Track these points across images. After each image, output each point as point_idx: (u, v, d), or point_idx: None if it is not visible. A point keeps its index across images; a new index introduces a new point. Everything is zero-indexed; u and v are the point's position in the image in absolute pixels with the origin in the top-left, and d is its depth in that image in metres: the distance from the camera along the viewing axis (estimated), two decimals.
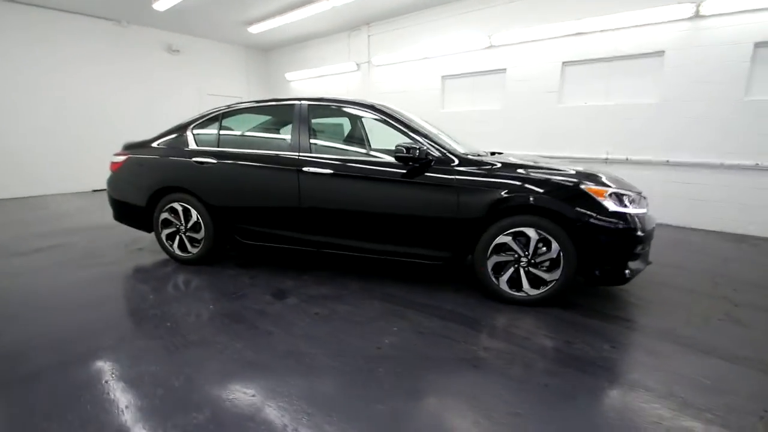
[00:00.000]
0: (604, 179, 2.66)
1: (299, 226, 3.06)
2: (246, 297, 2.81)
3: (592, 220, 2.44)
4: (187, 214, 3.35)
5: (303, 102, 3.14)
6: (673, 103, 5.05)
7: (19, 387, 1.81)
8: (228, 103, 3.53)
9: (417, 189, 2.73)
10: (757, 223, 4.75)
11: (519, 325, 2.43)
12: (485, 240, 2.64)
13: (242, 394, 1.75)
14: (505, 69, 6.46)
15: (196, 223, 3.32)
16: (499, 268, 2.68)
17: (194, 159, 3.27)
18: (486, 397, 1.75)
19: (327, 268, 3.39)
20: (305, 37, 9.25)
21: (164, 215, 3.41)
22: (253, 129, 3.50)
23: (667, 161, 5.19)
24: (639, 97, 5.34)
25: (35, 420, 1.59)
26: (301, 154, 3.00)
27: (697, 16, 4.71)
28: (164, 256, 3.67)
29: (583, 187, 2.50)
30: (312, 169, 2.93)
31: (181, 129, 3.49)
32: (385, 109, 3.02)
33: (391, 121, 2.93)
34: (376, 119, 3.02)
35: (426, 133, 2.87)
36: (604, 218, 2.44)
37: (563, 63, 5.87)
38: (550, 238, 2.52)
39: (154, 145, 3.50)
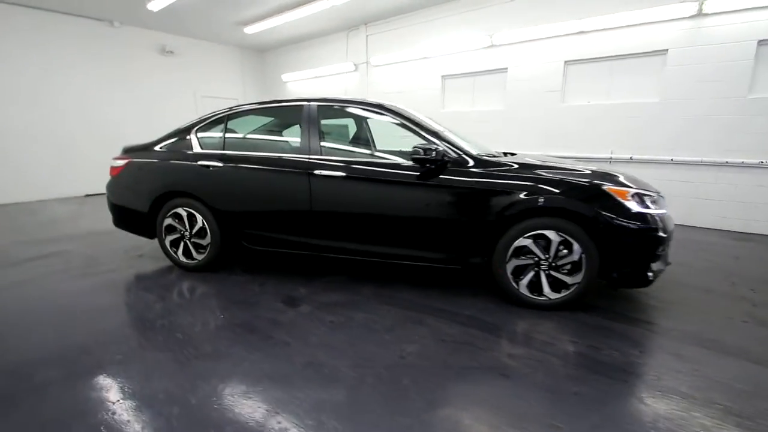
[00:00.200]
0: (622, 179, 2.61)
1: (310, 231, 2.97)
2: (257, 305, 2.71)
3: (615, 222, 2.38)
4: (192, 219, 3.23)
5: (312, 103, 3.05)
6: (677, 101, 5.04)
7: (22, 406, 1.69)
8: (224, 105, 3.42)
9: (434, 191, 2.66)
10: (760, 221, 4.75)
11: (542, 330, 2.37)
12: (504, 243, 2.58)
13: (264, 411, 1.65)
14: (506, 68, 6.42)
15: (202, 228, 3.21)
16: (519, 272, 2.62)
17: (199, 162, 3.17)
18: (518, 408, 1.68)
19: (337, 273, 3.30)
20: (302, 37, 9.14)
21: (168, 221, 3.29)
22: (260, 131, 3.40)
23: (671, 160, 5.18)
24: (642, 96, 5.33)
25: None
26: (311, 156, 2.91)
27: (700, 14, 4.71)
28: (166, 262, 3.56)
29: (605, 187, 2.45)
30: (324, 172, 2.84)
31: (184, 132, 3.37)
32: (397, 110, 2.94)
33: (406, 123, 2.85)
34: (394, 122, 2.90)
35: (441, 133, 2.80)
36: (627, 219, 2.38)
37: (565, 62, 5.84)
38: (571, 240, 2.46)
39: (157, 148, 3.38)
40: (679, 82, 4.98)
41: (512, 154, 3.19)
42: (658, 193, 2.65)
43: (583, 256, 2.46)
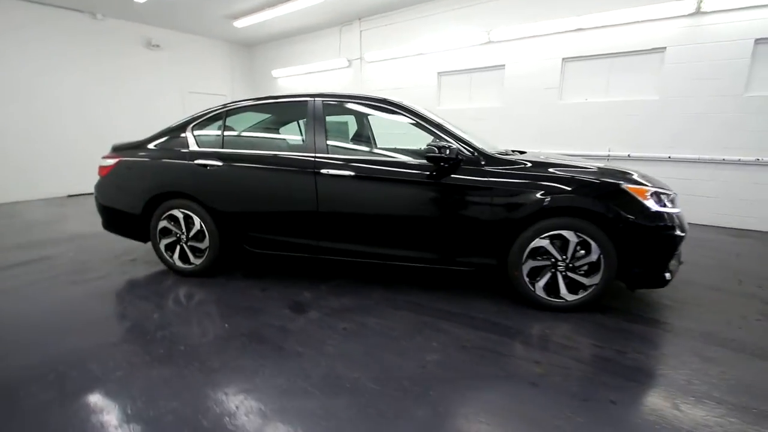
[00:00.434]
0: (636, 176, 2.55)
1: (317, 232, 2.84)
2: (262, 312, 2.57)
3: (635, 222, 2.32)
4: (188, 221, 3.06)
5: (317, 99, 2.91)
6: (674, 99, 5.06)
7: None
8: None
9: (449, 191, 2.56)
10: (757, 217, 4.82)
11: (562, 333, 2.30)
12: (520, 244, 2.50)
13: None
14: (503, 65, 6.37)
15: (200, 231, 3.05)
16: (535, 274, 2.55)
17: (196, 161, 2.99)
18: (556, 420, 1.60)
19: (342, 276, 3.18)
20: (293, 32, 8.92)
21: (163, 223, 3.11)
22: (261, 128, 3.25)
23: (669, 157, 5.21)
24: (640, 93, 5.34)
25: None
26: (317, 154, 2.78)
27: (698, 12, 4.72)
28: (160, 267, 3.38)
29: (624, 186, 2.39)
30: (331, 171, 2.71)
31: (179, 129, 3.19)
32: (410, 107, 2.81)
33: (421, 121, 2.73)
34: (411, 122, 2.77)
35: (454, 131, 2.70)
36: (647, 219, 2.33)
37: (563, 59, 5.82)
38: (589, 240, 2.40)
39: (150, 146, 3.19)
40: (677, 79, 5.00)
41: (522, 152, 3.12)
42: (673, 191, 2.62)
43: (602, 256, 2.40)
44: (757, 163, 4.68)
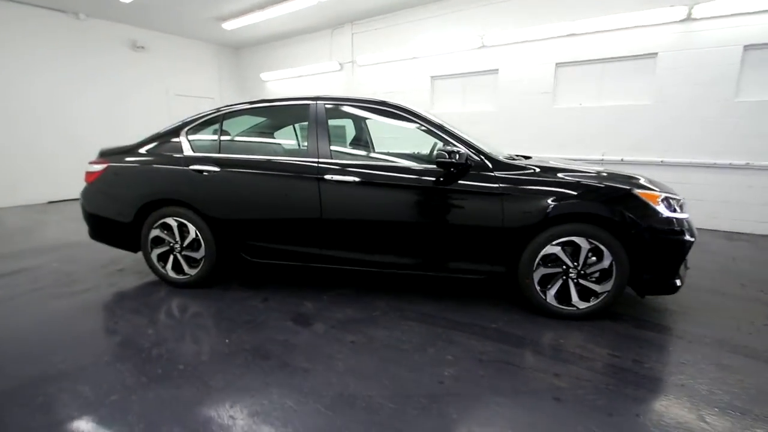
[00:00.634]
0: (643, 181, 2.54)
1: (321, 241, 2.73)
2: (264, 325, 2.45)
3: (647, 228, 2.29)
4: (183, 230, 2.92)
5: (319, 102, 2.82)
6: (667, 104, 5.13)
7: None
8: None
9: (458, 196, 2.50)
10: (747, 220, 4.90)
11: (577, 343, 2.25)
12: (531, 251, 2.44)
13: None
14: (497, 70, 6.38)
15: (195, 240, 2.90)
16: (546, 281, 2.49)
17: (192, 167, 2.86)
18: None
19: (343, 285, 3.07)
20: (283, 35, 8.80)
21: (155, 232, 2.96)
22: (260, 133, 3.13)
23: (662, 161, 5.27)
24: (633, 98, 5.40)
25: None
26: (320, 160, 2.68)
27: (690, 18, 4.80)
28: (151, 277, 3.22)
29: (635, 191, 2.36)
30: (336, 177, 2.61)
31: (172, 133, 3.04)
32: (417, 111, 2.74)
33: (431, 127, 2.66)
34: (422, 128, 2.69)
35: (464, 137, 2.64)
36: (659, 225, 2.31)
37: (557, 64, 5.85)
38: (602, 247, 2.36)
39: (141, 151, 3.04)
40: (669, 85, 5.07)
41: (527, 157, 3.08)
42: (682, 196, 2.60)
43: (614, 263, 2.36)
44: (748, 167, 4.77)
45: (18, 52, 6.55)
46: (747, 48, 4.60)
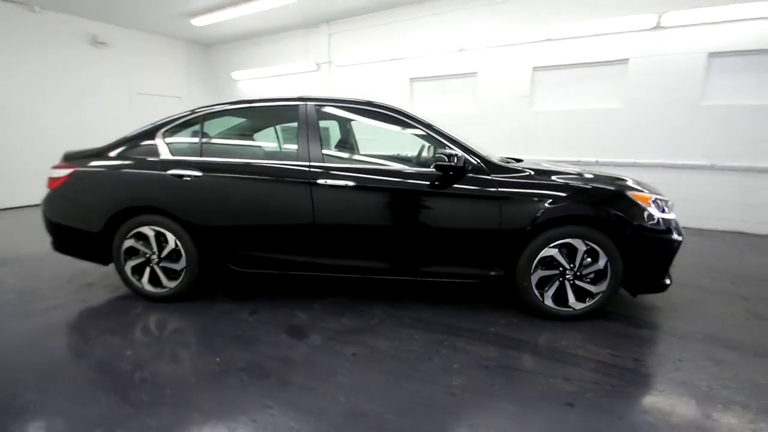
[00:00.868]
0: (630, 182, 2.61)
1: (313, 248, 2.61)
2: (257, 340, 2.30)
3: (641, 229, 2.35)
4: (160, 239, 2.71)
5: (309, 103, 2.70)
6: (638, 107, 5.36)
7: None
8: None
9: (455, 200, 2.46)
10: (711, 218, 5.18)
11: (577, 344, 2.25)
12: (529, 253, 2.44)
13: None
14: (476, 73, 6.45)
15: (174, 250, 2.70)
16: (543, 284, 2.50)
17: (170, 172, 2.65)
18: None
19: (335, 292, 2.96)
20: (256, 32, 8.52)
21: (129, 242, 2.73)
22: (245, 135, 2.96)
23: (634, 162, 5.49)
24: (606, 102, 5.60)
25: None
26: (312, 163, 2.56)
27: (658, 26, 5.03)
28: (124, 290, 2.98)
29: (629, 193, 2.41)
30: (329, 182, 2.50)
31: (146, 135, 2.82)
32: (414, 114, 2.67)
33: (429, 131, 2.60)
34: (421, 132, 2.63)
35: (457, 139, 2.60)
36: (651, 226, 2.37)
37: (533, 68, 5.98)
38: (597, 248, 2.38)
39: (111, 154, 2.80)
40: (640, 89, 5.30)
41: (518, 160, 3.09)
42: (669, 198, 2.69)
43: (608, 264, 2.40)
44: (712, 168, 5.05)
45: None
46: (711, 55, 4.87)
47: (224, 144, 2.92)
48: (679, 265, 3.61)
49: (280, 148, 2.93)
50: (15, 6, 6.36)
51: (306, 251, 2.63)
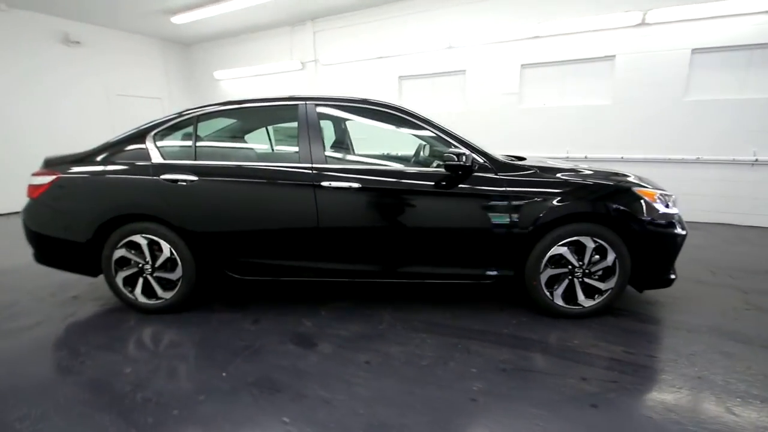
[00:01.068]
0: (632, 179, 2.61)
1: (317, 253, 2.52)
2: (263, 351, 2.20)
3: (648, 225, 2.36)
4: (154, 248, 2.57)
5: (309, 102, 2.60)
6: (624, 103, 5.45)
7: None
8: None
9: (464, 200, 2.41)
10: (700, 210, 5.32)
11: (590, 342, 2.24)
12: (538, 252, 2.42)
13: None
14: (464, 70, 6.44)
15: (169, 259, 2.56)
16: (552, 282, 2.48)
17: (163, 177, 2.51)
18: None
19: (339, 297, 2.87)
20: (238, 30, 8.29)
21: (120, 252, 2.57)
22: (241, 136, 2.84)
23: (622, 158, 5.59)
24: (593, 98, 5.68)
25: None
26: (315, 165, 2.46)
27: (644, 23, 5.12)
28: (113, 303, 2.82)
29: (635, 189, 2.41)
30: (334, 184, 2.41)
31: (135, 139, 2.66)
32: (418, 114, 2.60)
33: (435, 130, 2.54)
34: (428, 132, 2.57)
35: (464, 138, 2.55)
36: (658, 221, 2.38)
37: (522, 65, 6.01)
38: (606, 245, 2.38)
39: (97, 159, 2.63)
40: (626, 85, 5.38)
41: (521, 158, 3.07)
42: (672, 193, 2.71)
43: (617, 260, 2.40)
44: (698, 162, 5.18)
45: None
46: (694, 51, 4.98)
47: (220, 146, 2.79)
48: (679, 258, 3.70)
49: (278, 149, 2.83)
50: None
51: (310, 256, 2.54)
